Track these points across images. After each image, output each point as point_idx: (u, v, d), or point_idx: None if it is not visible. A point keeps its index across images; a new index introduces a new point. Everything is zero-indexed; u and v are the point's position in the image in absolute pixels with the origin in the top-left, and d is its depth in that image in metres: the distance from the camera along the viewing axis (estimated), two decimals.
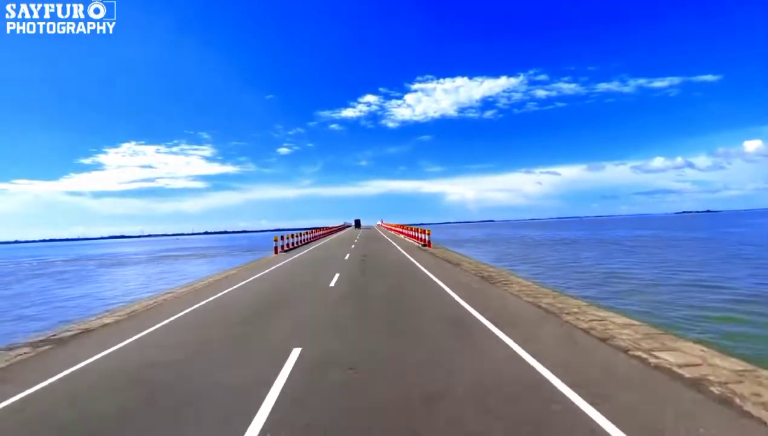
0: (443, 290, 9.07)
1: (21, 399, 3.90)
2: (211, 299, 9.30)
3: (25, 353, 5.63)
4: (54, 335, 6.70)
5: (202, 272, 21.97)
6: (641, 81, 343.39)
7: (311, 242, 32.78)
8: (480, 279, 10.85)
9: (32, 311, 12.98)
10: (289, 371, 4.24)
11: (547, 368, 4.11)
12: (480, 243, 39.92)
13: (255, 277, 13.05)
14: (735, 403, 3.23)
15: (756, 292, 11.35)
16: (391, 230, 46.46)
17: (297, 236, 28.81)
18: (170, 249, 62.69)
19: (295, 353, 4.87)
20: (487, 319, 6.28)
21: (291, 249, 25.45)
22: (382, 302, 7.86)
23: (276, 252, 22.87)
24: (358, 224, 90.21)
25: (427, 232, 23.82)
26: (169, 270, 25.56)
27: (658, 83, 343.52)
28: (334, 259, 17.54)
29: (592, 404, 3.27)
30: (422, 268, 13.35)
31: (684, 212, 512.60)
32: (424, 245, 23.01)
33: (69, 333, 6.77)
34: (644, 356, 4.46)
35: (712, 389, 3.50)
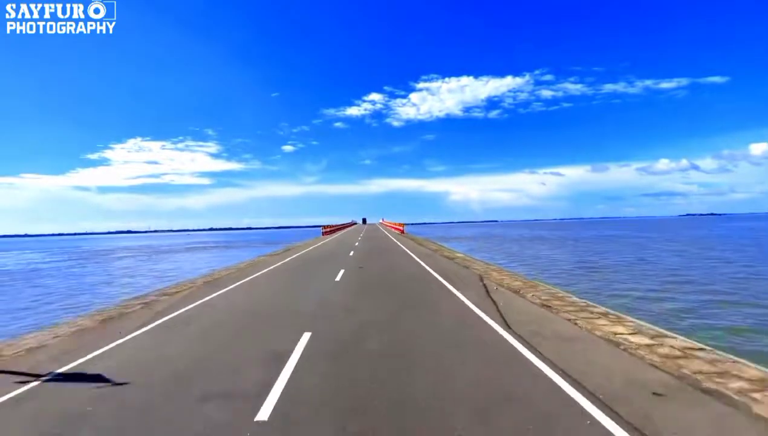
0: (396, 242, 29.22)
1: (300, 255, 25.12)
2: (316, 245, 29.71)
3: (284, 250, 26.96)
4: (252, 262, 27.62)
5: (246, 255, 29.61)
6: (648, 82, 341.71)
7: (337, 231, 52.87)
8: (412, 240, 30.76)
9: (177, 271, 33.18)
10: (357, 244, 25.24)
11: (425, 264, 24.00)
12: (464, 239, 47.88)
13: (326, 240, 32.92)
14: (486, 277, 23.39)
15: (605, 265, 18.74)
16: (388, 226, 68.12)
17: (329, 228, 50.41)
18: (192, 242, 70.21)
19: (357, 245, 25.47)
20: (401, 244, 27.09)
21: (329, 233, 45.14)
22: (375, 242, 28.43)
23: (323, 235, 43.11)
24: (364, 221, 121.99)
25: (403, 225, 46.12)
26: (219, 255, 33.41)
27: (666, 84, 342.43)
28: (355, 237, 37.21)
29: (437, 272, 23.19)
30: (392, 238, 33.44)
31: (688, 215, 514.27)
32: (401, 233, 43.21)
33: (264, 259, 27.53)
34: (461, 264, 25.22)
35: (471, 266, 22.35)
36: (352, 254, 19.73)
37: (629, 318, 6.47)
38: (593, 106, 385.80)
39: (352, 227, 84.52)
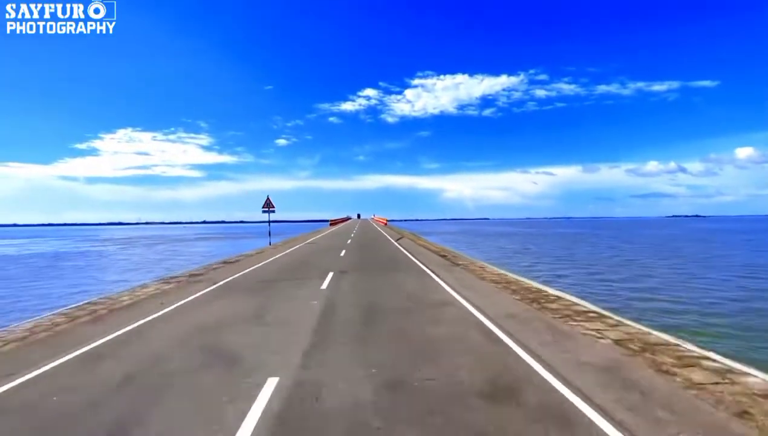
0: (379, 230, 46.38)
1: (328, 232, 42.69)
2: (333, 229, 46.99)
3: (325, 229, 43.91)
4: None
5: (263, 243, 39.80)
6: (640, 84, 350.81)
7: (338, 224, 68.21)
8: (389, 228, 48.49)
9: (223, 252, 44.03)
10: (359, 224, 44.25)
11: (386, 234, 38.81)
12: (443, 233, 55.64)
13: (333, 229, 49.70)
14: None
15: (533, 251, 26.54)
16: (377, 221, 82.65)
17: (334, 221, 66.79)
18: (195, 233, 76.67)
19: (356, 229, 42.85)
20: (380, 229, 43.50)
21: (333, 225, 60.85)
22: (365, 229, 45.41)
23: (330, 226, 58.33)
24: (359, 216, 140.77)
25: (386, 219, 64.62)
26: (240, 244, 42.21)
27: (657, 87, 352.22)
28: (353, 227, 52.86)
29: (389, 236, 39.53)
30: (379, 228, 50.14)
31: (674, 216, 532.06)
32: (385, 225, 58.55)
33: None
34: (399, 233, 40.82)
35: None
36: (354, 232, 36.48)
37: (439, 244, 24.94)
38: (586, 107, 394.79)
39: (349, 220, 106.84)
